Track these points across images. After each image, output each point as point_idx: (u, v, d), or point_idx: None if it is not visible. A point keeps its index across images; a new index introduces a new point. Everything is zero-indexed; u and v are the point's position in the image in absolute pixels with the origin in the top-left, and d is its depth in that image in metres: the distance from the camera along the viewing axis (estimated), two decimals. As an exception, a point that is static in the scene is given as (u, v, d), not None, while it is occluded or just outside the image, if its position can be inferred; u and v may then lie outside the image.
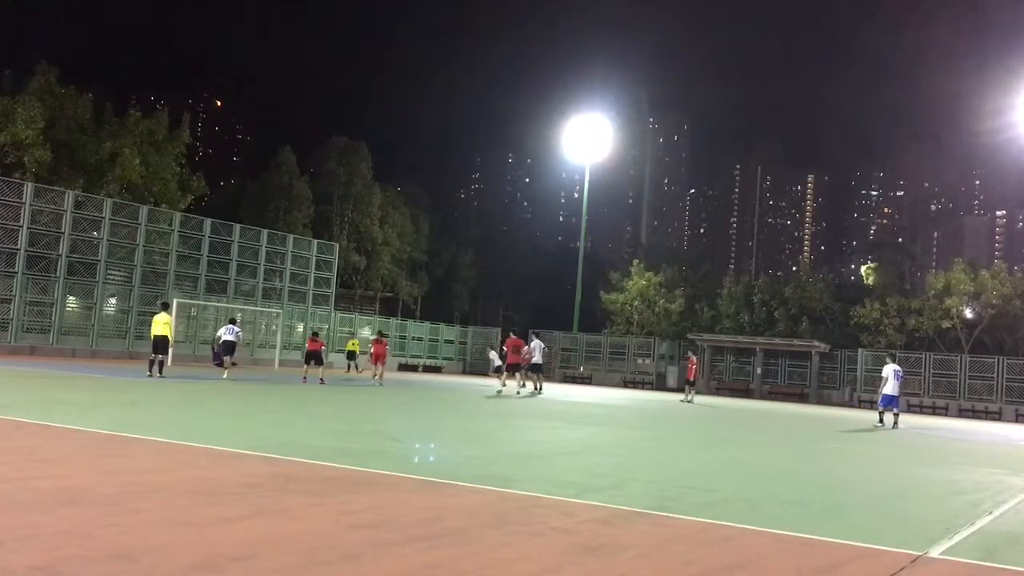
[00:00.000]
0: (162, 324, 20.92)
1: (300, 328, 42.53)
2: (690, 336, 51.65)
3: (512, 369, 27.29)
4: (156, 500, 5.46)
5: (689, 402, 31.51)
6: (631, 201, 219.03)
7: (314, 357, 25.50)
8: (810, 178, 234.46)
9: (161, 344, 20.76)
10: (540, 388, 27.42)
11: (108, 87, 56.50)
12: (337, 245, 48.61)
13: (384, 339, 29.10)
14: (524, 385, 27.38)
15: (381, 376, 27.78)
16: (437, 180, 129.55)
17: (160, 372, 20.50)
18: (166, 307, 22.59)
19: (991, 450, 18.05)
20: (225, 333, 25.71)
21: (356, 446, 9.66)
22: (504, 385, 27.47)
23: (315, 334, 27.12)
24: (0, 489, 5.48)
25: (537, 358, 27.64)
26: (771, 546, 5.57)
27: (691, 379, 33.21)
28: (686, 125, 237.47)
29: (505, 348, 27.91)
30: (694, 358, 34.51)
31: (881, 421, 22.34)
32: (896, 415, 22.49)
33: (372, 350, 28.55)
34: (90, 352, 32.38)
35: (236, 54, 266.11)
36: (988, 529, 6.89)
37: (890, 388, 21.93)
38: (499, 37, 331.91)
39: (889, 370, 22.10)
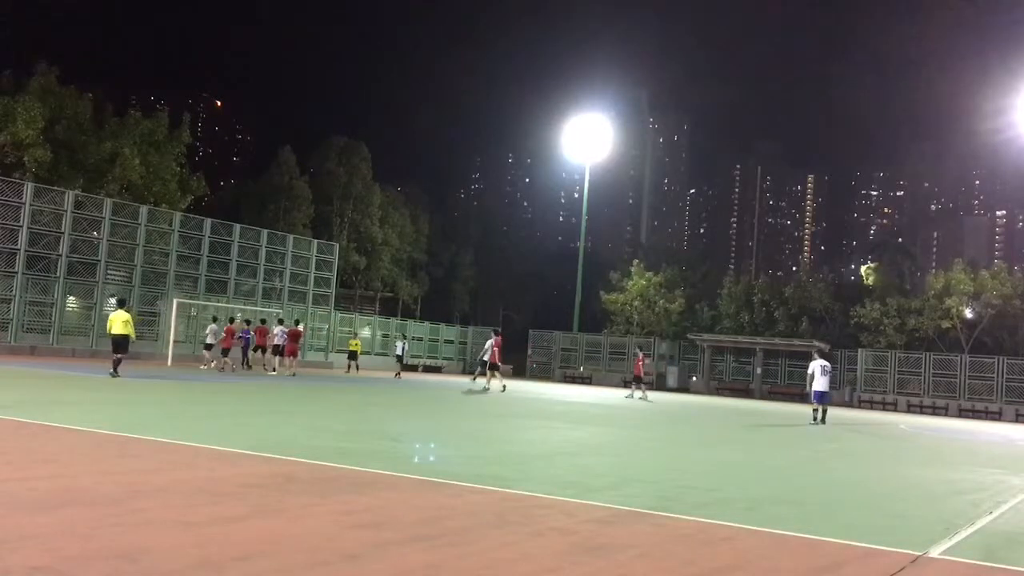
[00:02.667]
0: (120, 322, 19.75)
1: (300, 328, 42.47)
2: (690, 336, 51.68)
3: (493, 368, 28.07)
4: (156, 500, 5.46)
5: (644, 399, 30.95)
6: (631, 201, 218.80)
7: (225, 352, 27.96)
8: (810, 178, 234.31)
9: (121, 343, 19.65)
10: (487, 384, 27.73)
11: (108, 87, 56.33)
12: (337, 245, 48.59)
13: (300, 329, 30.26)
14: (489, 384, 27.79)
15: (291, 369, 28.97)
16: (437, 180, 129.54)
17: (115, 371, 19.40)
18: (123, 303, 21.23)
19: (991, 450, 18.06)
20: (210, 336, 28.45)
21: (356, 446, 9.67)
22: (489, 384, 27.77)
23: (241, 321, 29.17)
24: (1, 489, 5.48)
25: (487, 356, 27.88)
26: (771, 546, 5.58)
27: (639, 375, 32.80)
28: (686, 125, 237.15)
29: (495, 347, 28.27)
30: (641, 354, 34.18)
31: (815, 419, 21.82)
32: (824, 410, 21.95)
33: (286, 341, 29.33)
34: (90, 352, 32.35)
35: (236, 54, 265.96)
36: (988, 529, 6.89)
37: (818, 384, 21.70)
38: (499, 37, 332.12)
39: (815, 366, 21.93)
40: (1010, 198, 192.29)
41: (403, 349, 37.39)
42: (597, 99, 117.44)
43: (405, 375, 37.05)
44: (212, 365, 28.51)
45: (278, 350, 28.97)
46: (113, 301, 34.52)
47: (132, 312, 22.96)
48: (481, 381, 27.86)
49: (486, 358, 28.00)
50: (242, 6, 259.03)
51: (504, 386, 27.85)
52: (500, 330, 32.96)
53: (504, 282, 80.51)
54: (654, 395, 39.70)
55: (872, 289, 56.10)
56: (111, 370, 19.35)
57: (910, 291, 55.71)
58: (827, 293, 53.94)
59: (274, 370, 28.88)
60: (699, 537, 5.65)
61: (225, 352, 28.11)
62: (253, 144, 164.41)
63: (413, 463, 8.76)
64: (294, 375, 28.18)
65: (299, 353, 31.24)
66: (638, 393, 32.34)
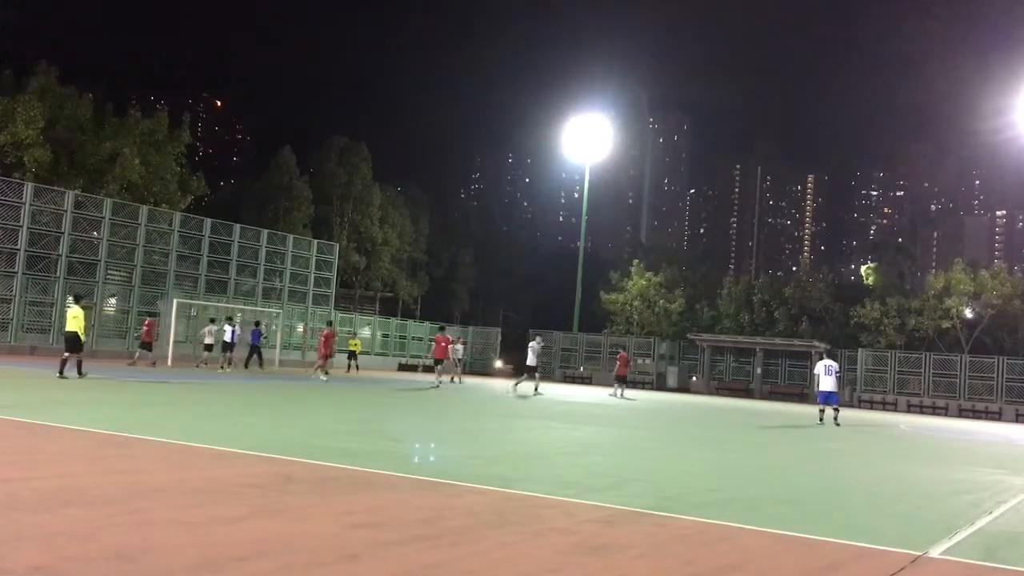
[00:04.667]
0: (71, 319, 18.34)
1: (300, 328, 42.54)
2: (690, 336, 51.65)
3: (438, 364, 29.02)
4: (156, 500, 5.46)
5: (614, 396, 31.01)
6: (631, 201, 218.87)
7: (145, 347, 27.33)
8: (810, 178, 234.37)
9: (70, 340, 18.09)
10: (521, 387, 27.83)
11: (108, 87, 56.28)
12: (337, 245, 48.58)
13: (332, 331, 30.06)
14: (442, 381, 28.74)
15: (319, 372, 28.51)
16: (437, 180, 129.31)
17: (63, 372, 17.46)
18: (78, 299, 19.55)
19: (991, 450, 18.05)
20: (208, 335, 28.25)
21: (356, 446, 9.67)
22: (454, 380, 28.57)
23: (151, 314, 28.45)
24: (1, 489, 5.48)
25: (531, 359, 27.66)
26: (771, 546, 5.58)
27: (622, 375, 32.40)
28: (686, 125, 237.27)
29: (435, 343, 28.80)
30: (624, 353, 33.80)
31: (821, 419, 21.81)
32: (835, 410, 21.70)
33: (321, 343, 29.21)
34: (90, 352, 32.26)
35: (236, 54, 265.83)
36: (988, 529, 6.89)
37: (823, 384, 21.41)
38: (499, 37, 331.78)
39: (820, 366, 21.60)
40: (1010, 198, 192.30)
41: (463, 352, 36.03)
42: (597, 99, 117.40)
43: (403, 375, 36.94)
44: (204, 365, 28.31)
45: (227, 347, 28.26)
46: (113, 301, 34.58)
47: (123, 310, 22.46)
48: (528, 386, 27.59)
49: (531, 363, 27.59)
50: (242, 6, 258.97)
51: (440, 384, 28.23)
52: (445, 326, 33.80)
53: (504, 282, 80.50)
54: (653, 395, 39.71)
55: (872, 289, 56.08)
56: (58, 372, 17.44)
57: (910, 291, 55.70)
58: (827, 293, 53.90)
59: (221, 368, 27.73)
60: (699, 537, 5.65)
61: (147, 347, 27.25)
62: (253, 144, 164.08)
63: (413, 463, 8.76)
64: (318, 377, 27.39)
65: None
66: (620, 391, 32.23)
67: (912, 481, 10.54)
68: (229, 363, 28.30)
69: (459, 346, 35.53)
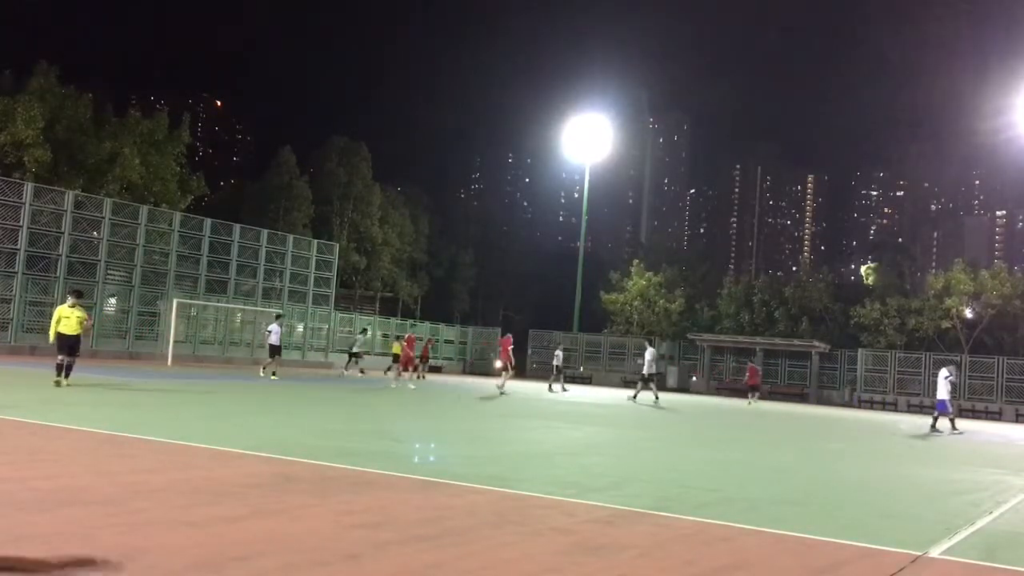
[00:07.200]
0: (75, 319, 15.94)
1: (300, 328, 42.52)
2: (690, 336, 51.65)
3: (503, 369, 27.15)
4: (156, 500, 5.46)
5: (752, 403, 34.69)
6: (631, 201, 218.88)
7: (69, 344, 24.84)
8: (810, 178, 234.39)
9: (72, 342, 15.92)
10: (635, 396, 28.06)
11: (108, 87, 56.37)
12: (337, 245, 48.56)
13: (417, 339, 28.94)
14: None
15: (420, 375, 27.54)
16: (437, 180, 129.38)
17: (64, 376, 15.52)
18: (78, 295, 16.53)
19: (991, 450, 18.05)
20: (273, 336, 26.00)
21: (356, 446, 9.66)
22: (564, 389, 27.24)
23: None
24: (1, 489, 5.48)
25: (649, 367, 27.52)
26: (771, 546, 5.57)
27: (754, 384, 36.86)
28: (686, 125, 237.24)
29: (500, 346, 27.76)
30: (753, 365, 38.48)
31: (952, 425, 22.21)
32: (936, 417, 22.17)
33: (404, 349, 28.32)
34: (90, 352, 32.31)
35: (236, 54, 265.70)
36: (988, 529, 6.89)
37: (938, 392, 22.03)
38: (499, 37, 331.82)
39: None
40: (1010, 198, 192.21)
41: (561, 360, 34.55)
42: (597, 99, 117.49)
43: (403, 376, 36.66)
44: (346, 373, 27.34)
45: (273, 350, 26.04)
46: (113, 301, 34.54)
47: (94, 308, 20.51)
48: (647, 394, 27.66)
49: (646, 371, 27.36)
50: (243, 6, 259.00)
51: (503, 391, 25.86)
52: (491, 328, 33.13)
53: (504, 282, 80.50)
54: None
55: (872, 289, 56.09)
56: (56, 378, 15.56)
57: (910, 291, 55.68)
58: (827, 293, 53.91)
59: (272, 373, 25.79)
60: (699, 537, 5.65)
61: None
62: (253, 144, 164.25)
63: (413, 463, 8.76)
64: (405, 386, 26.08)
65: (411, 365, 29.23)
66: (753, 401, 35.65)
67: (912, 481, 10.54)
68: (274, 366, 25.86)
69: (559, 352, 34.59)
